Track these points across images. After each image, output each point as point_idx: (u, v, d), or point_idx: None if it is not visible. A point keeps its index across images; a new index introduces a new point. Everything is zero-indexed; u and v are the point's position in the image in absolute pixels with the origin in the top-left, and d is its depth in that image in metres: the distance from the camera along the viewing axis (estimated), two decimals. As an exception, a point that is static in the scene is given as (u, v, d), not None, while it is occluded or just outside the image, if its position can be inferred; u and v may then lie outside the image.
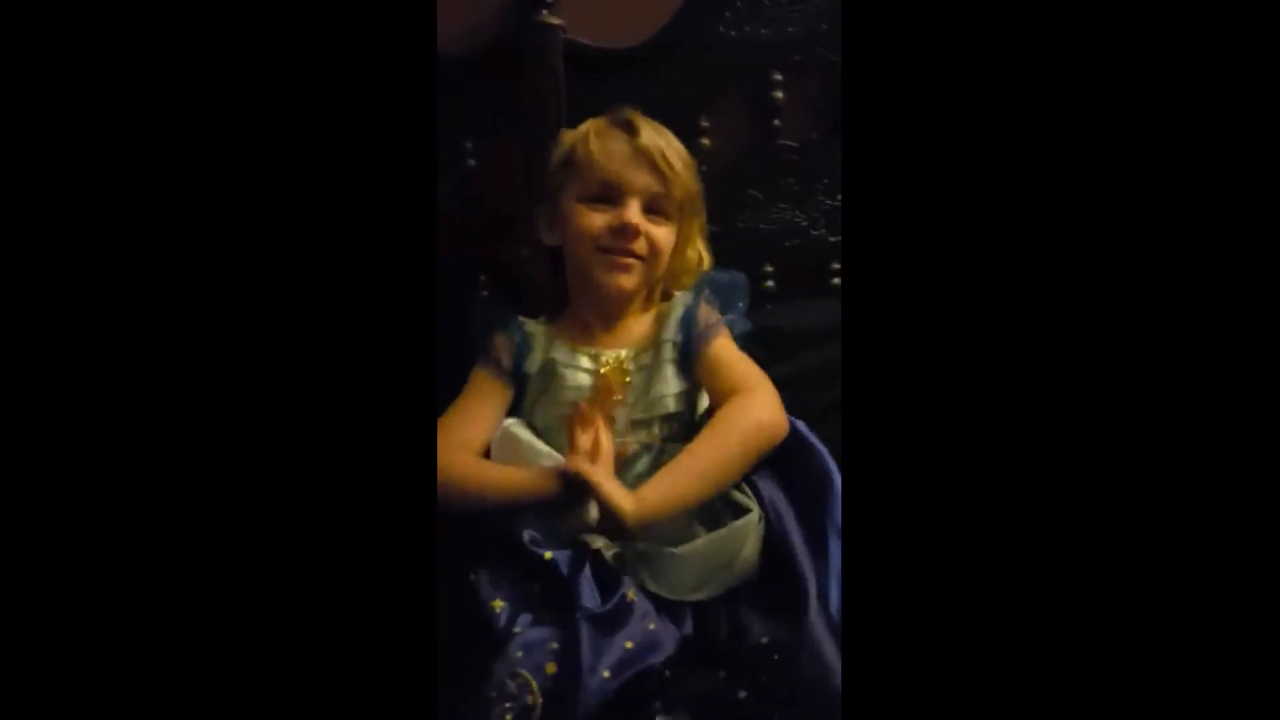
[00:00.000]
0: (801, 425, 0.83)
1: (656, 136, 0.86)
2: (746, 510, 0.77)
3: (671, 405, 0.85)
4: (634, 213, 0.83)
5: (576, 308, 0.89)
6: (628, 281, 0.85)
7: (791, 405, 0.84)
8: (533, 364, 0.87)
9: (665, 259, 0.87)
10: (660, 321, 0.88)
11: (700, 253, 0.92)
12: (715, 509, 0.79)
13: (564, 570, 0.72)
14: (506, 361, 0.87)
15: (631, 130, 0.85)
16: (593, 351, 0.86)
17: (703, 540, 0.76)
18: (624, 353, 0.86)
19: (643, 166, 0.84)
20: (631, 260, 0.84)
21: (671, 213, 0.86)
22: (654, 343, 0.86)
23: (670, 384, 0.85)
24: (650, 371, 0.85)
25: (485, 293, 1.01)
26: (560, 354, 0.87)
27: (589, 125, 0.87)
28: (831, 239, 1.05)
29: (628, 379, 0.85)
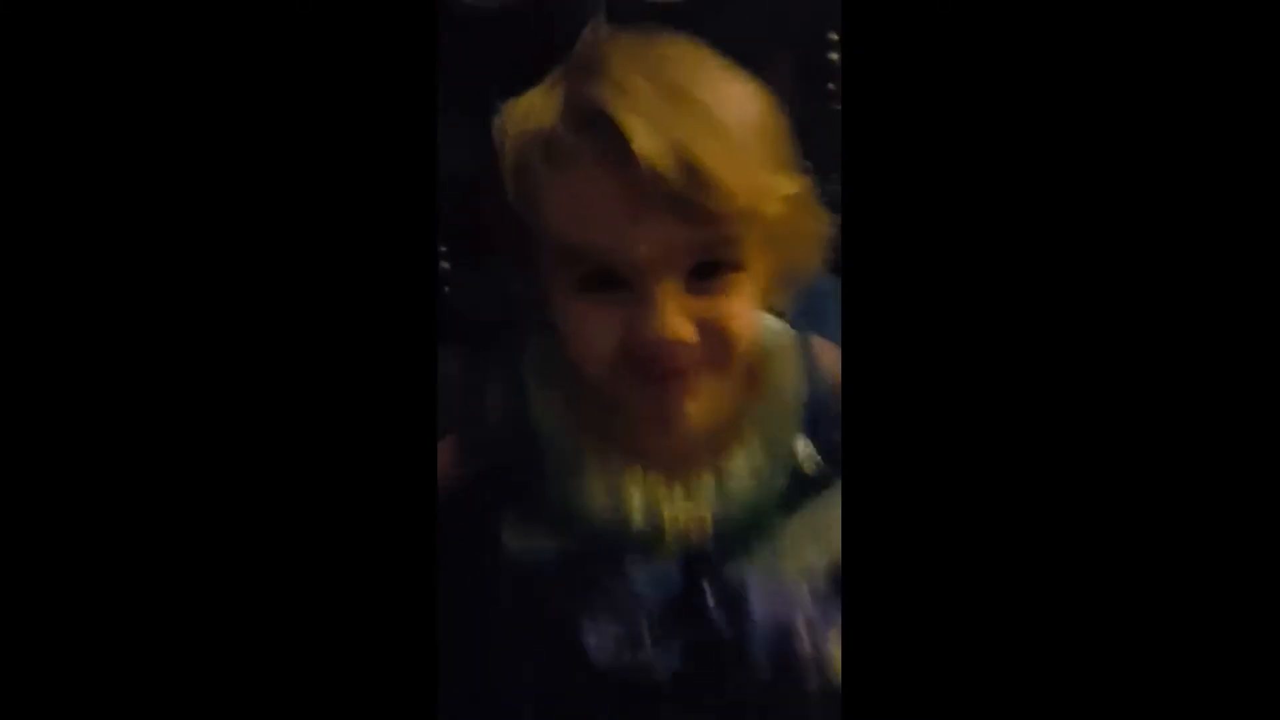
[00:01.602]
0: None
1: (671, 128, 0.46)
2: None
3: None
4: (664, 314, 0.48)
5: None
6: (684, 405, 0.51)
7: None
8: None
9: (745, 333, 0.52)
10: (764, 384, 0.56)
11: (813, 245, 0.55)
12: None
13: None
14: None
15: (614, 134, 0.46)
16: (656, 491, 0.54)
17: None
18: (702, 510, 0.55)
19: (662, 209, 0.46)
20: (680, 380, 0.50)
21: (740, 254, 0.50)
22: (764, 426, 0.56)
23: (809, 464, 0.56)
24: (767, 471, 0.55)
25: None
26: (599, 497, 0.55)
27: (526, 131, 0.50)
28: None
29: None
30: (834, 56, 0.99)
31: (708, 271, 0.49)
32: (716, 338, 0.49)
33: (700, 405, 0.52)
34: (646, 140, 0.44)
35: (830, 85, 0.99)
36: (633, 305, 0.48)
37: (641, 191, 0.44)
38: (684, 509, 0.55)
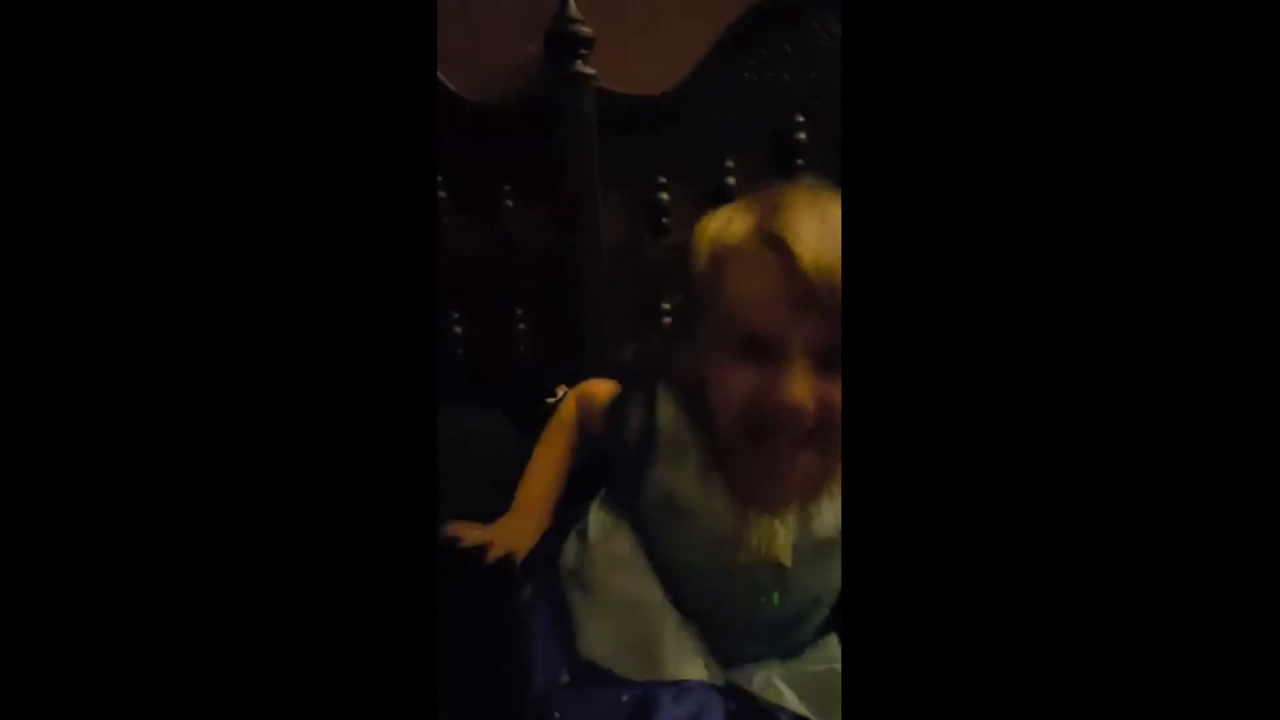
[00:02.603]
0: None
1: (824, 252, 0.58)
2: None
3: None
4: (796, 385, 0.59)
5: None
6: (793, 470, 0.64)
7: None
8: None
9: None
10: None
11: None
12: None
13: None
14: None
15: (786, 253, 0.58)
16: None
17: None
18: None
19: (808, 307, 0.58)
20: (796, 444, 0.61)
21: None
22: None
23: None
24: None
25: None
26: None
27: (722, 241, 0.63)
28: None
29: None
30: (802, 136, 1.07)
31: (830, 362, 0.60)
32: (826, 413, 0.61)
33: (800, 463, 0.64)
34: (808, 259, 0.58)
35: (799, 161, 1.08)
36: (773, 373, 0.60)
37: (800, 291, 0.58)
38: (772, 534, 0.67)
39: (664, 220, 1.07)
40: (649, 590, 0.69)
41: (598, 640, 0.68)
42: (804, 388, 0.59)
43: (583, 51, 1.02)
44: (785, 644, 0.71)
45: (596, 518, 0.74)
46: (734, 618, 0.69)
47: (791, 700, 0.66)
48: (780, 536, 0.66)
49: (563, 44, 1.02)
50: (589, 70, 1.02)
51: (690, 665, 0.66)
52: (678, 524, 0.69)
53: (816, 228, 0.59)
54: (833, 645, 0.71)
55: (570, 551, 0.74)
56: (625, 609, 0.68)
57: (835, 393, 0.60)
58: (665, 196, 1.07)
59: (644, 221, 1.08)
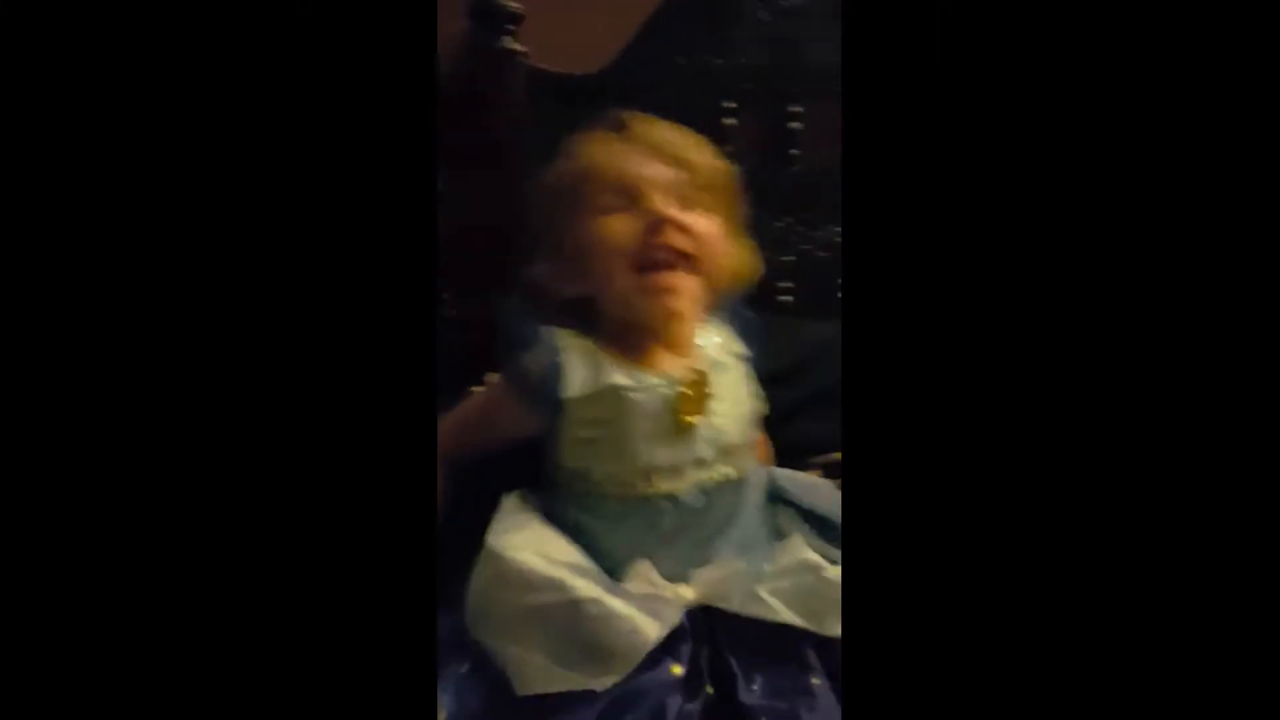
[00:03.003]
0: None
1: (662, 128, 0.72)
2: None
3: (747, 433, 0.73)
4: (662, 202, 0.67)
5: (620, 326, 0.72)
6: (678, 302, 0.69)
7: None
8: (572, 386, 0.69)
9: (718, 249, 0.71)
10: (718, 333, 0.75)
11: (748, 252, 0.76)
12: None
13: None
14: (534, 386, 0.69)
15: (628, 130, 0.72)
16: (656, 373, 0.69)
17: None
18: (701, 366, 0.70)
19: (656, 160, 0.69)
20: (677, 273, 0.68)
21: (706, 201, 0.71)
22: (720, 358, 0.73)
23: (745, 404, 0.73)
24: (724, 391, 0.72)
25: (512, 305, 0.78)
26: (616, 376, 0.68)
27: (578, 140, 0.73)
28: (782, 259, 1.11)
29: (709, 396, 0.70)
30: (732, 121, 1.07)
31: (688, 202, 0.70)
32: (692, 236, 0.69)
33: (685, 299, 0.70)
34: (648, 131, 0.73)
35: (727, 147, 1.08)
36: (636, 213, 0.68)
37: (645, 150, 0.70)
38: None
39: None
40: (576, 584, 0.64)
41: (538, 674, 0.63)
42: (666, 203, 0.67)
43: (509, 27, 0.99)
44: (746, 550, 0.70)
45: (502, 529, 0.68)
46: (681, 536, 0.68)
47: (782, 611, 0.64)
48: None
49: (490, 19, 0.99)
50: (518, 47, 1.00)
51: (653, 622, 0.63)
52: (596, 455, 0.69)
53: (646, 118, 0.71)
54: (798, 545, 0.70)
55: (475, 590, 0.68)
56: (551, 618, 0.63)
57: (700, 223, 0.68)
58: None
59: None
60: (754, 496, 0.74)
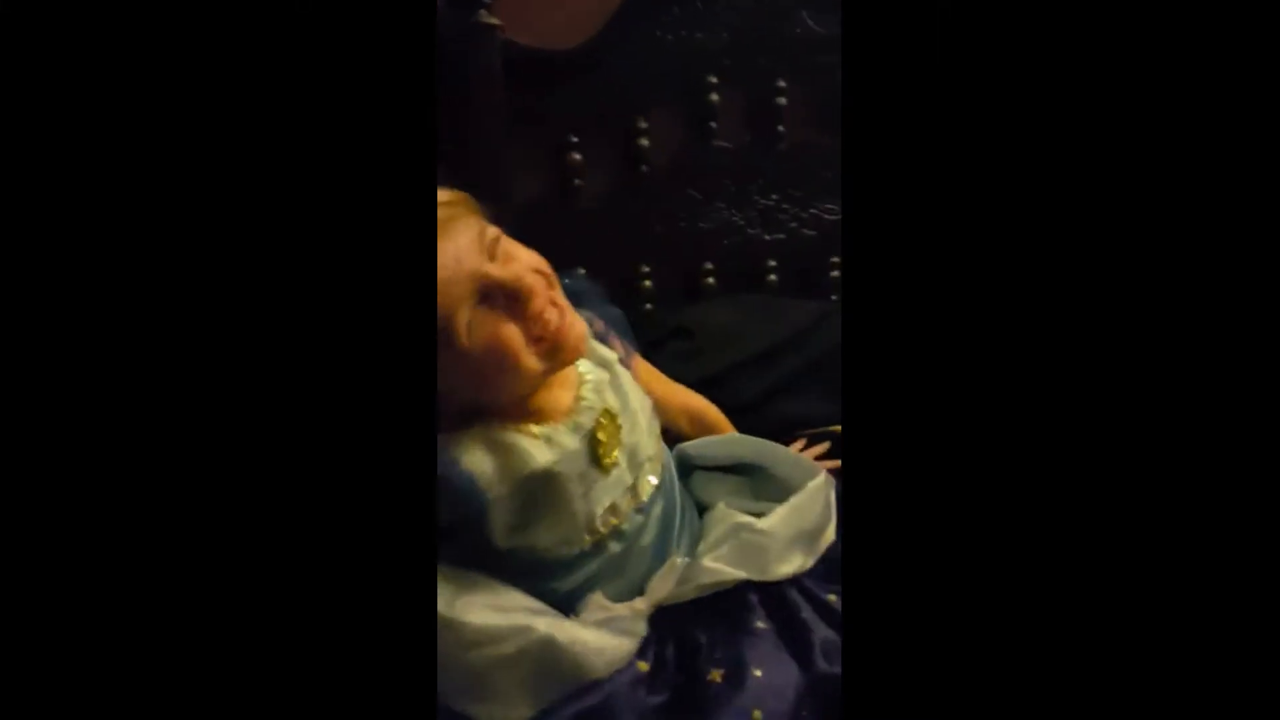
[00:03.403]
0: None
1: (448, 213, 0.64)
2: (812, 474, 0.72)
3: (655, 429, 0.74)
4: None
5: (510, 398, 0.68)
6: (549, 341, 0.65)
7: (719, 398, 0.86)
8: (490, 488, 0.64)
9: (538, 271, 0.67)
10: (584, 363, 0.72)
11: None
12: (775, 480, 0.75)
13: None
14: (456, 503, 0.64)
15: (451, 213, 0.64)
16: (559, 421, 0.68)
17: (784, 508, 0.69)
18: (605, 405, 0.69)
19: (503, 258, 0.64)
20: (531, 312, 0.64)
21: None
22: (603, 372, 0.72)
23: (643, 403, 0.73)
24: (623, 403, 0.72)
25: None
26: (531, 453, 0.65)
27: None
28: (767, 237, 1.09)
29: (619, 426, 0.70)
30: (714, 97, 1.05)
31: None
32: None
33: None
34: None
35: (712, 124, 1.06)
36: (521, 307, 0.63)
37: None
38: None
39: (576, 182, 1.03)
40: (538, 624, 0.62)
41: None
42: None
43: (486, 1, 0.97)
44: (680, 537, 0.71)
45: (449, 598, 0.64)
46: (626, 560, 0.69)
47: (728, 571, 0.66)
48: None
49: (465, -9, 0.96)
50: (494, 21, 0.97)
51: (624, 639, 0.63)
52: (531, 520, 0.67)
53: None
54: (724, 513, 0.71)
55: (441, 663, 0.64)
56: (523, 661, 0.62)
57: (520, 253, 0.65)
58: (577, 157, 1.03)
59: (554, 182, 1.04)
60: (674, 484, 0.75)
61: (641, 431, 0.71)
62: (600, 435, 0.69)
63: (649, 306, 1.05)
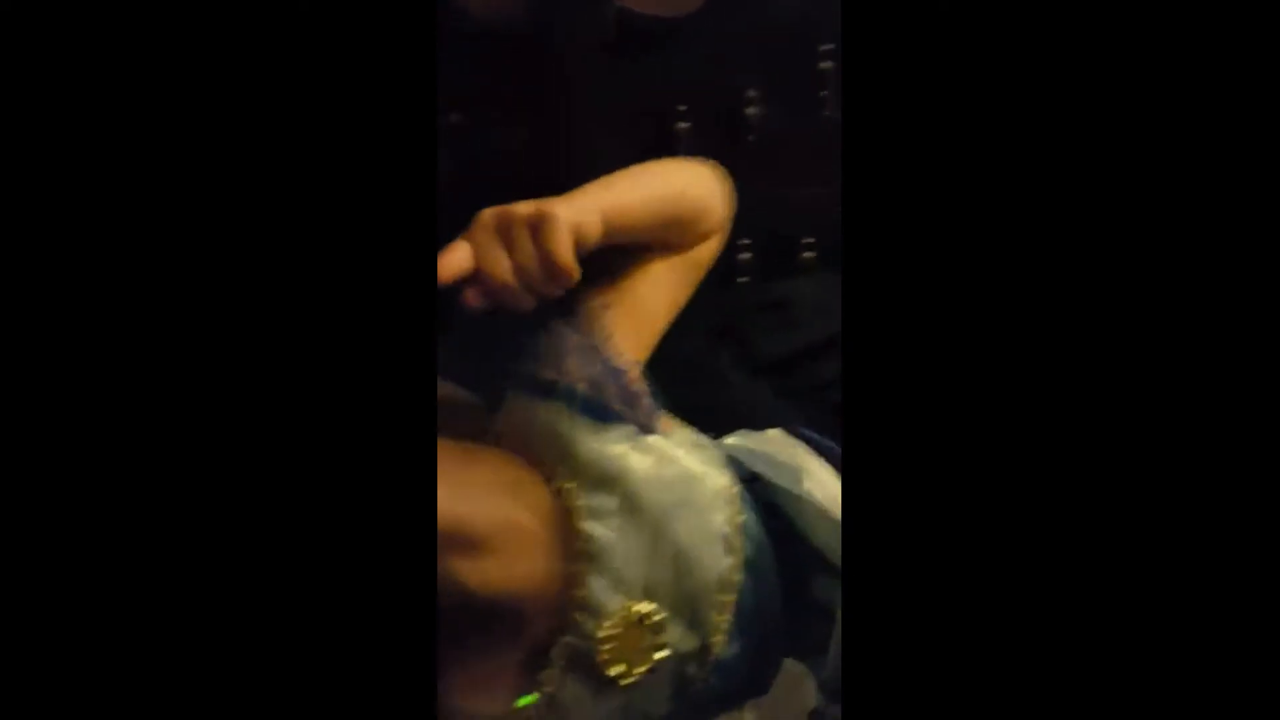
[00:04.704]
0: None
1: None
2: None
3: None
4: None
5: None
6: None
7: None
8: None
9: None
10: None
11: None
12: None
13: None
14: None
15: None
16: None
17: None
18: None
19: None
20: None
21: None
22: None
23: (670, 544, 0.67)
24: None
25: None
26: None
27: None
28: (807, 215, 1.06)
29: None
30: (827, 65, 1.02)
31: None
32: None
33: None
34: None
35: (823, 93, 1.03)
36: None
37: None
38: None
39: (681, 151, 1.03)
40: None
41: None
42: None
43: (597, -37, 0.97)
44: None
45: None
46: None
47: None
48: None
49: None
50: (609, -12, 0.97)
51: None
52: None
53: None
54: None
55: None
56: None
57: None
58: (683, 125, 1.03)
59: (660, 152, 1.03)
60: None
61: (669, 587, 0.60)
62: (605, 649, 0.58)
63: (744, 279, 1.04)
